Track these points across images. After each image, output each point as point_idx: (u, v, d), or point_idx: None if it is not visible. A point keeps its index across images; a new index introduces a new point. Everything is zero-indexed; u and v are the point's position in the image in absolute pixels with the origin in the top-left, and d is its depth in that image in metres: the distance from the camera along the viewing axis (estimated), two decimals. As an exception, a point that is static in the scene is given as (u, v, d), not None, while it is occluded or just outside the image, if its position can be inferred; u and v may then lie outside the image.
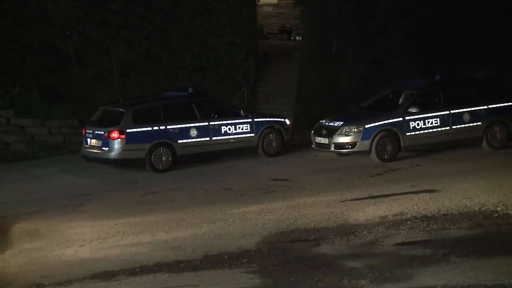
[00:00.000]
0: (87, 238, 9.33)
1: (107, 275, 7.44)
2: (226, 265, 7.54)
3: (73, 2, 19.97)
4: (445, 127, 14.49)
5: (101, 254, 8.54)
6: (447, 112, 14.48)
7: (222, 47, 20.42)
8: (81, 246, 8.95)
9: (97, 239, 9.27)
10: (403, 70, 18.45)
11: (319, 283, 6.56)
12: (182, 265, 7.68)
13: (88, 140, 14.65)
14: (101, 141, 14.27)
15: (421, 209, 9.42)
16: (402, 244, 7.83)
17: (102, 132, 14.18)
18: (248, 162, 15.54)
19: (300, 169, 14.40)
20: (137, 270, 7.57)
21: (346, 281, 6.53)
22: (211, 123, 15.33)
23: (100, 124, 14.60)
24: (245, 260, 7.73)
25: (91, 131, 14.65)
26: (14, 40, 20.24)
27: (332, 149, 14.71)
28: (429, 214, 9.06)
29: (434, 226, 8.44)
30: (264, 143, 15.89)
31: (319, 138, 14.89)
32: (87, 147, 14.75)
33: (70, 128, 18.24)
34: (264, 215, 10.03)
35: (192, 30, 20.51)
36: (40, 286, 7.26)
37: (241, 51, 20.71)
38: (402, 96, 14.96)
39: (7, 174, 15.11)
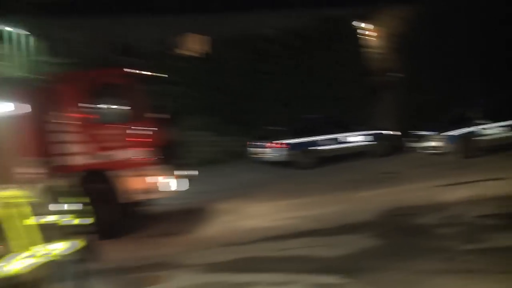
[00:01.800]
0: (262, 214, 11.07)
1: (276, 238, 8.78)
2: (353, 232, 8.58)
3: None
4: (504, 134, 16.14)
5: (272, 224, 9.86)
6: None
7: (348, 83, 22.05)
8: (258, 219, 10.53)
9: (269, 214, 10.91)
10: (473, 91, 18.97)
11: (419, 244, 7.48)
12: (322, 231, 8.87)
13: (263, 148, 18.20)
14: (271, 149, 17.77)
15: (495, 191, 10.15)
16: (482, 216, 8.49)
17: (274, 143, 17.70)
18: (366, 162, 17.73)
19: (402, 165, 16.00)
20: (294, 234, 8.90)
21: (439, 242, 7.46)
22: (341, 135, 18.28)
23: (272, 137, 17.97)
24: (366, 228, 8.67)
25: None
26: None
27: (428, 151, 16.83)
28: (501, 195, 9.72)
29: (505, 203, 9.08)
30: (378, 148, 18.41)
31: (418, 143, 17.25)
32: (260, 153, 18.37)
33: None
34: (377, 197, 11.33)
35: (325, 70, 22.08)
36: (231, 244, 8.72)
37: (361, 86, 22.46)
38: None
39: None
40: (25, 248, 5.39)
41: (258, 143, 18.19)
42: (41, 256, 5.40)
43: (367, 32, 24.10)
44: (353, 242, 7.95)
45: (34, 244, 5.44)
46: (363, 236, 8.24)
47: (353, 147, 18.07)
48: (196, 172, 11.52)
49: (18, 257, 5.28)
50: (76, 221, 5.87)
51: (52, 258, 5.37)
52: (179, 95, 16.32)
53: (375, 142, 18.22)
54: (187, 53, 22.19)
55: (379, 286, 6.09)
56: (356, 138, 18.11)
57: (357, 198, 11.56)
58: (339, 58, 22.07)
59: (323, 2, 22.65)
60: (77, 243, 5.61)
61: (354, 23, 23.52)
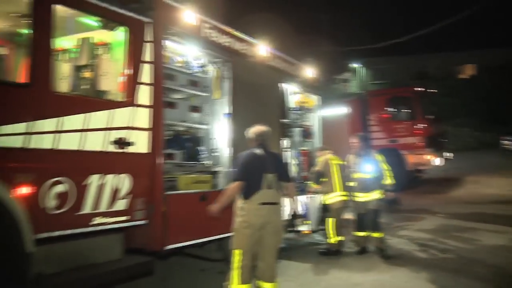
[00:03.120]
0: (499, 185, 15.84)
1: (504, 202, 12.96)
2: None
3: None
4: None
5: (505, 193, 14.31)
6: None
7: None
8: (495, 189, 15.31)
9: (505, 186, 15.38)
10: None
11: None
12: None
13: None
14: None
15: None
16: None
17: None
18: None
19: None
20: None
21: None
22: None
23: None
24: None
25: None
26: None
27: None
28: None
29: None
30: None
31: None
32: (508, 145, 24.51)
33: None
34: None
35: None
36: (470, 203, 13.35)
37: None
38: None
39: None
40: (336, 190, 8.24)
41: (507, 137, 23.72)
42: (346, 195, 8.33)
43: None
44: None
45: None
46: None
47: None
48: (452, 155, 17.19)
49: (331, 194, 8.30)
50: (388, 181, 8.10)
51: (365, 200, 8.04)
52: (448, 103, 25.83)
53: None
54: (460, 76, 34.83)
55: None
56: None
57: None
58: None
59: None
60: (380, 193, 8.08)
61: None
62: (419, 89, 16.56)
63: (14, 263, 3.93)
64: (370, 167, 8.22)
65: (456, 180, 17.53)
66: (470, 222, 10.57)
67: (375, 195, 8.12)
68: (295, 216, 5.84)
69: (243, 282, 5.15)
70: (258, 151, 5.40)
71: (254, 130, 5.55)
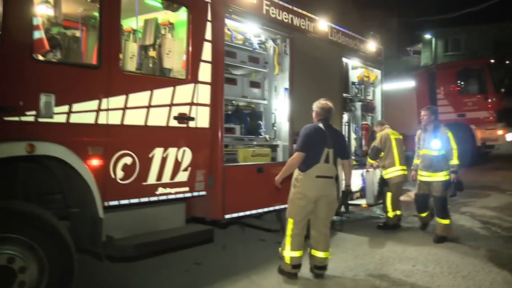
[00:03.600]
0: None
1: None
2: None
3: None
4: None
5: None
6: None
7: None
8: None
9: None
10: None
11: None
12: None
13: None
14: None
15: None
16: None
17: None
18: None
19: None
20: None
21: None
22: None
23: None
24: None
25: None
26: None
27: None
28: None
29: None
30: None
31: None
32: None
33: None
34: None
35: None
36: None
37: None
38: None
39: None
40: (396, 164, 8.16)
41: None
42: (405, 169, 8.24)
43: None
44: None
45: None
46: None
47: None
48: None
49: (391, 169, 8.23)
50: (454, 161, 7.40)
51: (428, 179, 7.45)
52: None
53: None
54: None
55: None
56: None
57: None
58: None
59: None
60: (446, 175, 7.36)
61: None
62: (491, 60, 15.86)
63: (88, 226, 4.42)
64: (438, 143, 7.52)
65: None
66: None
67: (441, 176, 7.44)
68: (349, 192, 6.02)
69: (295, 249, 5.52)
70: (320, 125, 5.60)
71: (320, 104, 5.74)
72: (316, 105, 5.75)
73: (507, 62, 16.90)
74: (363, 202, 8.79)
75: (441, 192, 7.43)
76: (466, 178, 13.49)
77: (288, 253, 5.50)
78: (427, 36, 37.37)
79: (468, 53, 31.92)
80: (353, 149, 9.15)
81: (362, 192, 8.94)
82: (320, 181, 5.41)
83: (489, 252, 6.62)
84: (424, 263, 6.16)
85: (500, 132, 15.17)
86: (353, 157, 9.05)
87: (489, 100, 15.34)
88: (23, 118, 3.86)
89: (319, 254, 5.58)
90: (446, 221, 7.37)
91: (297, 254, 5.50)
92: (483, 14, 26.55)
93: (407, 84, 16.72)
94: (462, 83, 16.13)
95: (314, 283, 5.50)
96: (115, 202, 4.60)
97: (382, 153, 8.33)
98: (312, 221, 5.62)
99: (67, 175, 4.34)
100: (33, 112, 3.92)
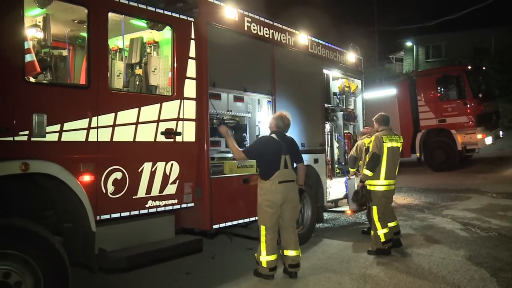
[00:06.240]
0: None
1: None
2: None
3: None
4: None
5: None
6: None
7: None
8: None
9: None
10: None
11: None
12: None
13: None
14: None
15: None
16: None
17: None
18: None
19: None
20: None
21: None
22: None
23: None
24: None
25: None
26: None
27: None
28: None
29: None
30: None
31: None
32: None
33: None
34: None
35: None
36: None
37: None
38: None
39: None
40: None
41: None
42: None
43: None
44: None
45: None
46: None
47: None
48: (502, 133, 16.82)
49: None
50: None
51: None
52: (506, 79, 24.36)
53: None
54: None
55: None
56: None
57: None
58: None
59: None
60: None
61: None
62: (468, 67, 16.31)
63: (81, 240, 4.58)
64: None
65: (508, 159, 17.20)
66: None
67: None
68: (301, 192, 6.35)
69: (270, 253, 5.90)
70: (273, 135, 6.07)
71: (281, 116, 6.17)
72: (277, 116, 6.18)
73: (484, 68, 17.35)
74: (346, 208, 8.97)
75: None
76: (449, 182, 13.87)
77: (264, 257, 5.88)
78: (409, 44, 38.22)
79: (447, 59, 32.64)
80: (336, 157, 9.37)
81: (345, 199, 9.15)
82: (284, 185, 5.85)
83: (468, 252, 6.87)
84: (406, 265, 6.39)
85: (479, 136, 15.53)
86: (336, 165, 9.31)
87: (468, 106, 15.74)
88: (17, 138, 4.02)
89: (291, 253, 6.03)
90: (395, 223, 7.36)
91: (272, 257, 5.88)
92: (463, 21, 27.20)
93: (388, 92, 17.07)
94: (442, 89, 16.53)
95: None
96: (107, 216, 4.76)
97: (360, 162, 8.49)
98: (280, 224, 6.00)
99: (60, 191, 4.49)
100: (26, 132, 4.08)
